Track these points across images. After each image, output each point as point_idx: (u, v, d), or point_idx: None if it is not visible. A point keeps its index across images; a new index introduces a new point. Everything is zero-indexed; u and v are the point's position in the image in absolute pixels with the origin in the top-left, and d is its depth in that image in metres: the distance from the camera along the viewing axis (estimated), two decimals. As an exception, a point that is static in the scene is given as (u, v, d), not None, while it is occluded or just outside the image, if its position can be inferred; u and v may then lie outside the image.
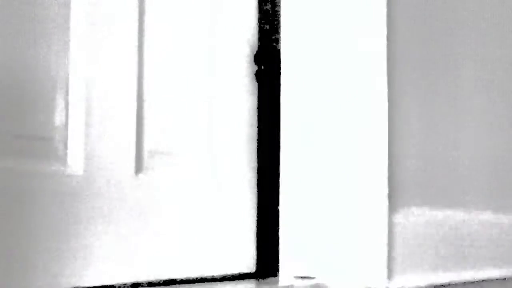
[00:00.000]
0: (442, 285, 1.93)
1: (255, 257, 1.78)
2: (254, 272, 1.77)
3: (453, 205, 2.04)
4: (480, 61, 2.21)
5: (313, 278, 1.71)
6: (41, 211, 1.36)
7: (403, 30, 1.89)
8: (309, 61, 1.76)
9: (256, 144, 1.82)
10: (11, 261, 1.31)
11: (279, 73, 1.80)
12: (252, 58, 1.80)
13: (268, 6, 1.84)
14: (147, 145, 1.57)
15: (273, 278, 1.74)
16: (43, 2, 1.39)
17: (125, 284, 1.50)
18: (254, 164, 1.81)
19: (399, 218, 1.82)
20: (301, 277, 1.73)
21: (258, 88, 1.83)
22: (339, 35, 1.75)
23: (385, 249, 1.75)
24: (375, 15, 1.78)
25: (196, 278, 1.64)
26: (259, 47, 1.82)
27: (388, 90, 1.82)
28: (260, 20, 1.84)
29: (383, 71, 1.79)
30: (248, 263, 1.77)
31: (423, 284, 1.88)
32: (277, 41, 1.83)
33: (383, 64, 1.79)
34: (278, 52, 1.81)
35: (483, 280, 2.09)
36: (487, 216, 2.16)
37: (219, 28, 1.75)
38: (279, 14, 1.82)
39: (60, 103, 1.41)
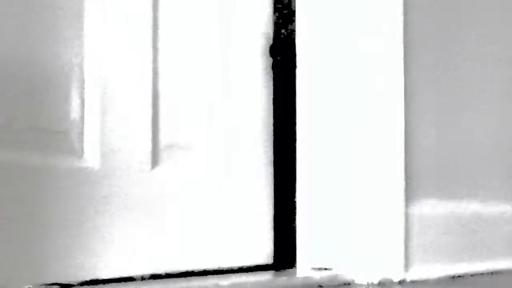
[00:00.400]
0: (459, 276, 1.94)
1: (272, 248, 1.79)
2: (271, 264, 1.78)
3: (469, 196, 2.04)
4: (498, 51, 2.20)
5: (330, 269, 1.72)
6: (58, 203, 1.36)
7: (420, 23, 1.89)
8: (324, 53, 1.77)
9: (272, 136, 1.82)
10: (30, 252, 1.32)
11: (295, 65, 1.80)
12: (268, 50, 1.81)
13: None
14: (163, 139, 1.57)
15: (290, 269, 1.75)
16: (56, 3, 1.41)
17: (143, 275, 1.51)
18: (270, 156, 1.81)
19: (415, 209, 1.83)
20: (318, 268, 1.74)
21: (273, 81, 1.83)
22: (356, 26, 1.75)
23: (401, 240, 1.76)
24: (392, 7, 1.78)
25: (214, 269, 1.65)
26: (274, 39, 1.82)
27: (405, 82, 1.83)
28: (275, 11, 1.84)
29: (400, 63, 1.80)
30: (265, 255, 1.78)
31: (439, 275, 1.88)
32: (293, 32, 1.82)
33: (399, 55, 1.79)
34: (293, 44, 1.82)
35: (499, 272, 2.08)
36: (503, 207, 2.15)
37: (234, 21, 1.75)
38: (294, 6, 1.82)
39: (76, 97, 1.42)
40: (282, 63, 1.81)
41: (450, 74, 2.01)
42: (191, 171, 1.63)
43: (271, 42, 1.80)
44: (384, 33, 1.77)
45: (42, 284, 1.33)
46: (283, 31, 1.81)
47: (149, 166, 1.54)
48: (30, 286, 1.30)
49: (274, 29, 1.83)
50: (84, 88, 1.44)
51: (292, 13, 1.83)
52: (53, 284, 1.34)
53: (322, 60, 1.77)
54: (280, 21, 1.83)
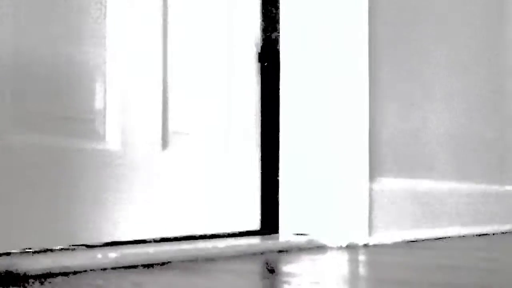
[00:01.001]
0: (414, 241, 2.03)
1: (259, 217, 1.86)
2: (258, 230, 1.85)
3: (423, 175, 2.16)
4: (447, 49, 2.32)
5: (307, 235, 1.82)
6: (86, 180, 1.43)
7: (383, 32, 2.00)
8: (302, 57, 1.85)
9: (260, 127, 1.89)
10: (63, 219, 1.39)
11: (279, 68, 1.89)
12: (257, 57, 1.89)
13: (271, 14, 1.91)
14: (171, 127, 1.64)
15: (274, 235, 1.81)
16: (81, 1, 1.46)
17: (154, 238, 1.58)
18: (258, 142, 1.88)
19: (378, 185, 1.94)
20: (298, 234, 1.84)
21: (261, 80, 1.90)
22: (328, 34, 1.83)
23: (366, 211, 1.87)
24: (359, 22, 1.87)
25: (212, 234, 1.72)
26: (262, 47, 1.90)
27: (369, 77, 1.94)
28: (263, 21, 1.90)
29: (365, 63, 1.89)
30: (254, 223, 1.85)
31: (397, 240, 1.99)
32: (277, 42, 1.90)
33: (365, 59, 1.89)
34: (277, 52, 1.90)
35: (448, 237, 2.19)
36: (451, 184, 2.29)
37: (232, 32, 1.82)
38: (278, 21, 1.89)
39: (99, 90, 1.48)
40: (269, 67, 1.89)
41: (408, 71, 2.11)
42: (194, 152, 1.69)
43: (259, 50, 1.89)
44: (353, 42, 1.86)
45: (72, 245, 1.40)
46: (269, 42, 1.88)
47: (160, 147, 1.60)
48: (62, 247, 1.37)
49: (263, 42, 1.89)
50: (106, 82, 1.49)
51: (277, 22, 1.91)
52: (81, 245, 1.41)
53: (299, 63, 1.86)
54: (268, 33, 1.90)
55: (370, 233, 1.89)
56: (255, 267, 1.30)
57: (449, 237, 2.23)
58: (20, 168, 1.32)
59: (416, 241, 2.05)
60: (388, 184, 1.98)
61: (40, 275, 1.16)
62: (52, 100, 1.38)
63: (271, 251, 1.61)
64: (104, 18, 1.50)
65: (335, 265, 1.36)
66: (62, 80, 1.41)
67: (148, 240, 1.56)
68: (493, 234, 2.48)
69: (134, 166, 1.53)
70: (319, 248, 1.74)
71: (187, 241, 1.57)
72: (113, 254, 1.27)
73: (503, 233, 2.56)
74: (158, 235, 1.58)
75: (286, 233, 1.85)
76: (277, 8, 1.92)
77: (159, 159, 1.60)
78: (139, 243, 1.52)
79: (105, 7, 1.50)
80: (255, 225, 1.86)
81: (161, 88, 1.62)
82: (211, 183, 1.73)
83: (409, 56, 2.14)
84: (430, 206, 2.17)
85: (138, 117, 1.56)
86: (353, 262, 1.42)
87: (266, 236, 1.76)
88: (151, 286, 1.05)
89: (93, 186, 1.44)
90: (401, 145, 2.07)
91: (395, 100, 2.06)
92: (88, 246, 1.42)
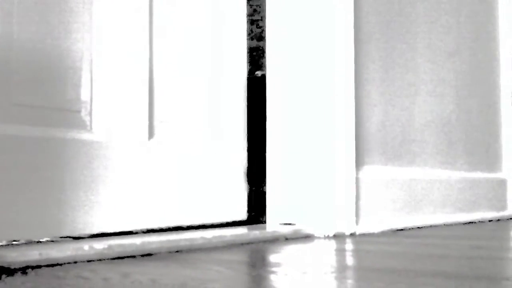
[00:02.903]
0: (400, 229, 2.05)
1: (246, 207, 1.87)
2: (245, 220, 1.86)
3: (409, 163, 2.16)
4: (432, 36, 2.32)
5: (294, 224, 1.83)
6: (73, 170, 1.43)
7: (369, 24, 2.00)
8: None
9: (247, 116, 1.90)
10: (49, 210, 1.39)
11: (264, 55, 1.89)
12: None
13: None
14: (157, 116, 1.64)
15: (261, 224, 1.82)
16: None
17: (142, 229, 1.58)
18: (245, 132, 1.88)
19: (364, 175, 1.95)
20: (285, 223, 1.85)
21: (249, 70, 1.90)
22: (315, 22, 1.83)
23: (353, 200, 1.86)
24: (344, 6, 1.87)
25: (199, 225, 1.73)
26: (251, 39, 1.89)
27: (355, 70, 1.94)
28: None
29: (351, 50, 1.89)
30: (241, 213, 1.85)
31: (384, 228, 1.99)
32: (264, 38, 1.88)
33: (350, 42, 1.89)
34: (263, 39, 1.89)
35: (434, 225, 2.20)
36: (436, 172, 2.29)
37: (220, 28, 1.81)
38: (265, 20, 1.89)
39: (86, 81, 1.48)
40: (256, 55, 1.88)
41: (393, 62, 2.11)
42: (180, 142, 1.69)
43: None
44: (339, 29, 1.85)
45: (59, 237, 1.39)
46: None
47: (146, 138, 1.60)
48: (49, 239, 1.37)
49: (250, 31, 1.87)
50: (92, 75, 1.50)
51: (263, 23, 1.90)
52: (67, 237, 1.41)
53: (287, 50, 1.85)
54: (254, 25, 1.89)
55: (357, 222, 1.90)
56: (242, 257, 1.30)
57: (436, 225, 2.24)
58: (5, 160, 1.32)
59: (403, 229, 2.06)
60: (374, 172, 1.99)
61: (27, 267, 1.16)
62: (37, 91, 1.39)
63: (258, 241, 1.61)
64: (91, 9, 1.51)
65: (322, 255, 1.36)
66: (48, 71, 1.41)
67: (135, 231, 1.56)
68: (480, 221, 2.49)
69: (120, 156, 1.54)
70: (306, 238, 1.75)
71: (175, 232, 1.57)
72: (100, 246, 1.28)
73: (489, 220, 2.57)
74: (145, 226, 1.59)
75: (273, 223, 1.86)
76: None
77: (146, 149, 1.60)
78: (126, 234, 1.53)
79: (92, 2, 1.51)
80: (242, 215, 1.87)
81: (147, 78, 1.62)
82: (198, 172, 1.74)
83: (397, 44, 2.14)
84: (416, 194, 2.17)
85: (125, 107, 1.56)
86: (340, 251, 1.43)
87: (253, 226, 1.77)
88: (139, 276, 1.05)
89: (80, 177, 1.44)
90: (388, 133, 2.07)
91: (381, 89, 2.06)
92: (74, 238, 1.42)
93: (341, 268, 1.15)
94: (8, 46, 1.34)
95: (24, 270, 1.14)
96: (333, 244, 1.59)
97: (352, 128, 1.88)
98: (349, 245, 1.56)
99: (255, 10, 1.90)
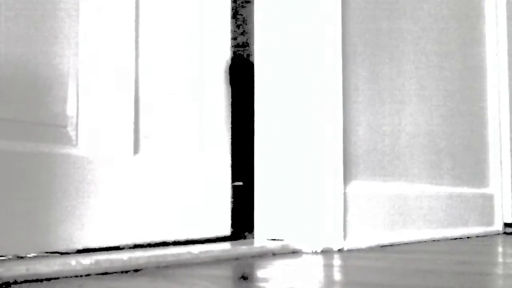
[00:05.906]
0: (389, 245, 2.05)
1: (230, 224, 1.87)
2: (229, 236, 1.86)
3: (396, 178, 2.17)
4: (418, 51, 2.33)
5: (282, 240, 1.83)
6: (59, 185, 1.43)
7: (356, 36, 2.01)
8: (275, 67, 1.87)
9: (233, 130, 1.92)
10: (35, 225, 1.38)
11: (252, 78, 1.92)
12: (228, 68, 1.90)
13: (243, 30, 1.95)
14: (142, 131, 1.65)
15: (249, 240, 1.82)
16: (55, 9, 1.47)
17: (128, 244, 1.58)
18: (229, 148, 1.89)
19: (352, 189, 1.94)
20: (272, 239, 1.85)
21: (232, 91, 1.92)
22: (302, 35, 1.85)
23: (341, 215, 1.87)
24: (331, 32, 1.88)
25: (186, 240, 1.73)
26: (232, 59, 1.92)
27: (343, 85, 1.94)
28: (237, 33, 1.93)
29: (338, 67, 1.89)
30: (225, 229, 1.86)
31: (372, 243, 2.00)
32: (249, 56, 1.91)
33: (338, 59, 1.89)
34: (250, 64, 1.93)
35: (421, 241, 2.21)
36: (424, 187, 2.30)
37: (203, 38, 1.83)
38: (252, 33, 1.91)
39: (72, 96, 1.48)
40: (239, 78, 1.91)
41: (382, 73, 2.12)
42: (165, 157, 1.69)
43: (230, 63, 1.90)
44: (326, 45, 1.86)
45: (45, 252, 1.39)
46: (239, 56, 1.91)
47: (132, 153, 1.60)
48: (35, 254, 1.37)
49: (233, 56, 1.92)
50: (78, 89, 1.50)
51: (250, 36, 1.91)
52: (54, 252, 1.40)
53: (271, 71, 1.87)
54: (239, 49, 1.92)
55: (345, 238, 1.90)
56: (229, 273, 1.30)
57: (424, 240, 2.25)
58: (-9, 175, 1.32)
59: (391, 245, 2.07)
60: (362, 187, 1.99)
61: (14, 282, 1.15)
62: (23, 105, 1.39)
63: (246, 256, 1.61)
64: (77, 23, 1.51)
65: (310, 270, 1.36)
66: (34, 86, 1.41)
67: (121, 246, 1.57)
68: (467, 237, 2.49)
69: (106, 171, 1.54)
70: (294, 253, 1.75)
71: (161, 247, 1.57)
72: (87, 261, 1.27)
73: (477, 236, 2.58)
74: (132, 241, 1.59)
75: (261, 238, 1.86)
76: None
77: (131, 164, 1.61)
78: (113, 249, 1.53)
79: (78, 12, 1.52)
80: (226, 231, 1.87)
81: (133, 93, 1.63)
82: (183, 188, 1.74)
83: (384, 59, 2.15)
84: (404, 209, 2.18)
85: (110, 122, 1.56)
86: (328, 267, 1.43)
87: (241, 241, 1.77)
88: (125, 292, 1.04)
89: (66, 192, 1.44)
90: (375, 148, 2.08)
91: (369, 104, 2.06)
92: (62, 253, 1.42)
93: (329, 284, 1.15)
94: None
95: (10, 285, 1.13)
96: (321, 259, 1.59)
97: (340, 142, 1.88)
98: (337, 261, 1.56)
99: (241, 29, 1.89)
